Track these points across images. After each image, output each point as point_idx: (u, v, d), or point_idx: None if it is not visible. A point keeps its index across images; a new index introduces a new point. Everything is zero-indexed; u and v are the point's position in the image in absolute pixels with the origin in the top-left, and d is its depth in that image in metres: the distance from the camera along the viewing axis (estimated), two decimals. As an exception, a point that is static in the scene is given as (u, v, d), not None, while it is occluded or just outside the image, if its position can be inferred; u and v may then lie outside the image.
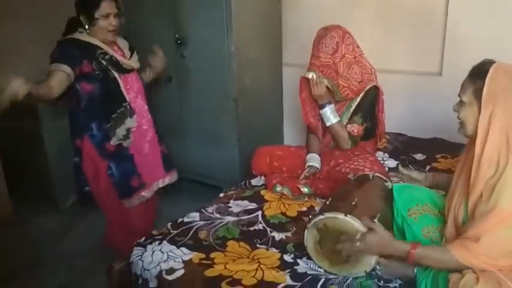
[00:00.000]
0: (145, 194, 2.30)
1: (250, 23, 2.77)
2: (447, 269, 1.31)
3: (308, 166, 2.13)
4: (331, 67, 2.05)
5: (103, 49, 2.10)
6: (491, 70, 1.28)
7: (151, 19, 2.96)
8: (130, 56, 2.26)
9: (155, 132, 2.38)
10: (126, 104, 2.17)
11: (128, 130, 2.19)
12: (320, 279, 1.48)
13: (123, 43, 2.28)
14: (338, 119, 2.13)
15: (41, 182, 3.04)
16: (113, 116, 2.13)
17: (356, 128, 2.13)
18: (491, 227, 1.24)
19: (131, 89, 2.24)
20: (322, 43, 2.05)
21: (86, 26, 2.08)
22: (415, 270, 1.43)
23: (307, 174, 2.10)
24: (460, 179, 1.43)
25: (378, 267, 1.49)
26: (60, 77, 1.97)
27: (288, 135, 3.33)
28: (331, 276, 1.50)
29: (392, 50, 2.83)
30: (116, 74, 2.14)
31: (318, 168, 2.14)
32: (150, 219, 2.44)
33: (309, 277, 1.49)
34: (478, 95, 1.30)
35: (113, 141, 2.15)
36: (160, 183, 2.40)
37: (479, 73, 1.32)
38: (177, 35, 2.83)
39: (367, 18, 2.84)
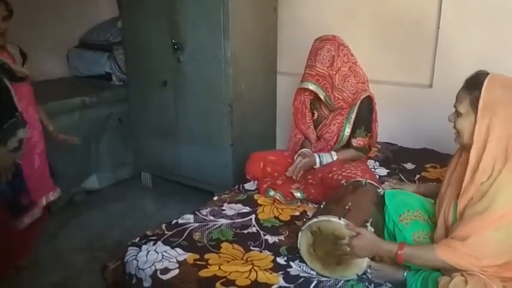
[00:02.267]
0: (34, 212, 2.21)
1: (247, 30, 2.82)
2: (435, 267, 1.36)
3: (300, 152, 2.18)
4: (326, 78, 2.11)
5: None
6: (486, 80, 1.33)
7: (149, 24, 2.98)
8: (23, 63, 2.20)
9: (44, 144, 2.32)
10: (18, 114, 2.05)
11: (20, 141, 2.06)
12: (312, 282, 1.51)
13: (13, 49, 2.20)
14: (334, 156, 2.19)
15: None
16: (4, 126, 1.99)
17: (362, 141, 2.22)
18: (479, 228, 1.28)
19: (22, 98, 2.14)
20: (319, 54, 2.11)
21: None
22: (405, 274, 1.47)
23: (299, 164, 2.13)
24: (450, 184, 1.47)
25: (369, 270, 1.53)
26: None
27: (281, 141, 3.37)
28: (324, 279, 1.53)
29: (384, 61, 2.89)
30: (8, 83, 2.03)
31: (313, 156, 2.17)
32: (30, 242, 2.32)
33: (302, 279, 1.52)
34: (474, 105, 1.34)
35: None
36: (51, 197, 2.36)
37: (475, 84, 1.36)
38: (174, 40, 2.86)
39: (360, 29, 2.91)
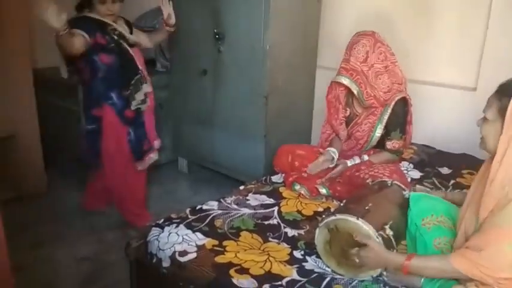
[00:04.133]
0: (153, 155, 2.66)
1: (288, 22, 2.81)
2: (448, 277, 1.31)
3: (325, 152, 2.19)
4: (360, 73, 2.07)
5: (112, 25, 2.38)
6: None
7: (193, 12, 3.04)
8: (130, 32, 2.51)
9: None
10: (140, 71, 2.48)
11: (146, 94, 2.52)
12: (326, 278, 1.50)
13: (120, 21, 2.50)
14: (364, 157, 2.17)
15: (75, 159, 3.18)
16: (132, 82, 2.42)
17: (397, 143, 2.18)
18: (496, 240, 1.23)
19: (138, 61, 2.51)
20: (354, 49, 2.07)
21: (86, 9, 2.34)
22: (422, 281, 1.43)
23: (321, 160, 2.15)
24: (475, 194, 1.42)
25: (384, 273, 1.50)
26: (80, 38, 2.25)
27: (316, 137, 3.33)
28: (338, 276, 1.52)
29: (429, 60, 2.79)
30: (128, 47, 2.42)
31: (334, 155, 2.17)
32: (141, 188, 2.74)
33: (316, 274, 1.52)
34: (502, 113, 1.28)
35: (133, 106, 2.45)
36: (156, 145, 2.72)
37: (506, 91, 1.29)
38: (215, 30, 2.90)
39: (405, 26, 2.82)
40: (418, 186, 1.88)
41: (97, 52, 2.33)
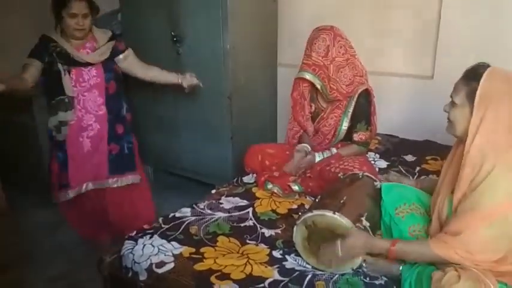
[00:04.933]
0: (67, 194, 2.29)
1: (247, 22, 2.80)
2: (429, 262, 1.35)
3: (298, 148, 2.19)
4: (322, 68, 2.09)
5: (56, 42, 2.18)
6: (485, 73, 1.30)
7: (149, 16, 2.97)
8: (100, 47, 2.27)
9: (110, 131, 2.34)
10: (64, 97, 2.19)
11: (60, 123, 2.21)
12: (307, 275, 1.50)
13: (103, 34, 2.31)
14: (333, 151, 2.19)
15: (35, 175, 3.05)
16: (51, 104, 2.21)
17: (363, 135, 2.21)
18: (471, 224, 1.27)
19: (85, 82, 2.25)
20: (315, 44, 2.09)
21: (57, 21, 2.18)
22: (400, 268, 1.46)
23: (302, 165, 2.14)
24: (445, 178, 1.46)
25: (364, 264, 1.52)
26: (31, 69, 2.14)
27: (282, 135, 3.35)
28: (319, 273, 1.53)
29: (385, 52, 2.87)
30: (62, 67, 2.17)
31: (307, 151, 2.18)
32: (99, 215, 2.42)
33: (297, 273, 1.52)
34: (471, 97, 1.31)
35: (49, 129, 2.25)
36: (102, 185, 2.36)
37: (473, 76, 1.33)
38: (173, 33, 2.85)
39: (361, 19, 2.88)
40: (392, 173, 1.90)
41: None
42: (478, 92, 1.29)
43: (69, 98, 2.20)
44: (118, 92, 2.37)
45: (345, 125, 2.20)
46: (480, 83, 1.29)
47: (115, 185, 2.37)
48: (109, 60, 2.31)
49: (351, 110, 2.17)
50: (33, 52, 2.17)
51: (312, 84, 2.19)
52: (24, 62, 2.15)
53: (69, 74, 2.20)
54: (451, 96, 1.39)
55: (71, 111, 2.22)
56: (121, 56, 2.35)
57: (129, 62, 2.39)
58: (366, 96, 2.19)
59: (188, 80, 2.51)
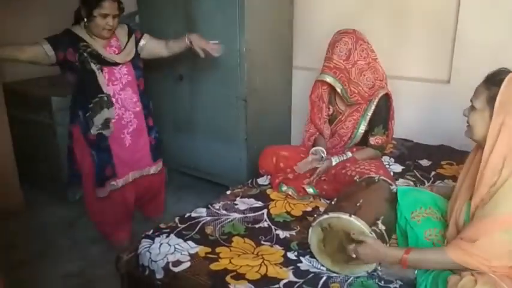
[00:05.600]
0: (115, 183, 2.38)
1: (263, 24, 2.81)
2: (444, 268, 1.34)
3: (313, 150, 2.18)
4: (343, 71, 2.10)
5: (86, 42, 2.22)
6: (506, 79, 1.29)
7: (166, 18, 3.01)
8: (126, 43, 2.34)
9: (146, 124, 2.47)
10: (103, 95, 2.25)
11: (107, 120, 2.28)
12: (322, 277, 1.51)
13: (121, 30, 2.35)
14: (348, 154, 2.18)
15: (52, 173, 3.10)
16: (89, 106, 2.24)
17: (380, 139, 2.21)
18: (488, 230, 1.26)
19: (118, 81, 2.32)
20: (336, 47, 2.10)
21: (85, 19, 2.20)
22: (416, 272, 1.46)
23: (320, 171, 2.13)
24: (464, 183, 1.45)
25: (379, 267, 1.52)
26: (37, 48, 2.15)
27: (296, 137, 3.36)
28: (333, 275, 1.54)
29: (402, 56, 2.86)
30: (95, 67, 2.23)
31: (323, 154, 2.17)
32: (123, 210, 2.51)
33: (312, 274, 1.53)
34: (491, 102, 1.31)
35: (93, 130, 2.27)
36: (142, 173, 2.49)
37: (494, 81, 1.33)
38: (190, 35, 2.88)
39: (378, 23, 2.87)
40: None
41: (66, 68, 2.25)
42: (498, 98, 1.29)
43: (107, 96, 2.27)
44: (145, 87, 2.48)
45: (362, 128, 2.20)
46: (501, 89, 1.29)
47: (152, 171, 2.55)
48: (135, 58, 2.39)
49: (370, 113, 2.18)
50: (51, 38, 2.19)
51: (331, 87, 2.20)
52: (38, 40, 2.17)
53: (102, 72, 2.25)
54: (471, 101, 1.39)
55: (112, 108, 2.29)
56: (141, 44, 2.42)
57: (149, 46, 2.45)
58: (386, 101, 2.19)
59: (196, 41, 2.42)
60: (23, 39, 2.25)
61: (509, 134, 1.27)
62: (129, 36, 2.38)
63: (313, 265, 1.60)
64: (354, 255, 1.45)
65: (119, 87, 2.33)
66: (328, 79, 2.13)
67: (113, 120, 2.30)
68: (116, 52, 2.31)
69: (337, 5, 3.02)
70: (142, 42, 2.42)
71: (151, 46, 2.47)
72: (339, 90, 2.13)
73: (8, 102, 2.87)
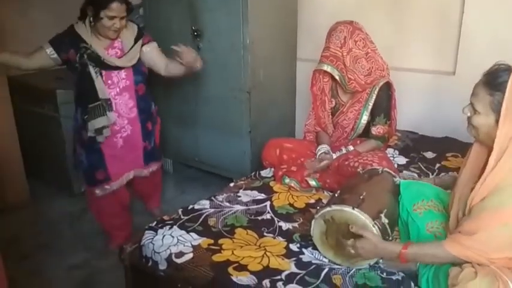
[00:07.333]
0: (109, 187, 2.33)
1: (266, 17, 2.80)
2: (444, 263, 1.34)
3: (321, 153, 2.16)
4: (340, 59, 2.10)
5: (86, 43, 2.16)
6: (509, 83, 1.23)
7: (170, 10, 3.00)
8: (133, 45, 2.25)
9: (142, 130, 2.39)
10: (99, 102, 2.18)
11: (104, 126, 2.21)
12: (324, 269, 1.52)
13: (130, 31, 2.28)
14: (350, 148, 2.17)
15: (57, 166, 3.12)
16: (87, 109, 2.18)
17: (381, 129, 2.19)
18: (487, 224, 1.25)
19: (114, 85, 2.24)
20: (332, 35, 2.12)
21: (91, 18, 2.15)
22: (418, 264, 1.46)
23: (319, 162, 2.12)
24: (465, 176, 1.44)
25: (381, 260, 1.52)
26: (40, 53, 2.17)
27: (300, 130, 3.35)
28: (335, 266, 1.54)
29: (407, 47, 2.84)
30: (93, 70, 2.16)
31: (330, 154, 2.16)
32: (119, 210, 2.48)
33: (314, 266, 1.53)
34: (495, 107, 1.26)
35: (89, 132, 2.21)
36: (135, 173, 2.46)
37: (496, 84, 1.27)
38: (193, 27, 2.87)
39: (383, 15, 2.85)
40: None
41: (68, 67, 2.22)
42: (504, 105, 1.23)
43: (105, 102, 2.19)
44: (146, 91, 2.40)
45: (365, 118, 2.19)
46: (506, 96, 1.24)
47: (144, 174, 2.52)
48: (138, 63, 2.30)
49: (371, 103, 2.17)
50: (55, 40, 2.18)
51: (332, 78, 2.19)
52: (41, 44, 2.17)
53: (101, 76, 2.19)
54: (471, 102, 1.33)
55: (111, 113, 2.22)
56: (143, 49, 2.33)
57: (151, 56, 2.36)
58: (387, 90, 2.18)
59: (187, 57, 2.26)
60: (23, 37, 2.26)
61: None
62: (136, 40, 2.29)
63: (315, 257, 1.60)
64: (353, 251, 1.45)
65: (115, 91, 2.25)
66: (327, 68, 2.12)
67: (110, 124, 2.23)
68: (118, 54, 2.24)
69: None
70: (146, 49, 2.33)
71: (153, 57, 2.37)
72: (337, 77, 2.13)
73: (13, 95, 2.89)
